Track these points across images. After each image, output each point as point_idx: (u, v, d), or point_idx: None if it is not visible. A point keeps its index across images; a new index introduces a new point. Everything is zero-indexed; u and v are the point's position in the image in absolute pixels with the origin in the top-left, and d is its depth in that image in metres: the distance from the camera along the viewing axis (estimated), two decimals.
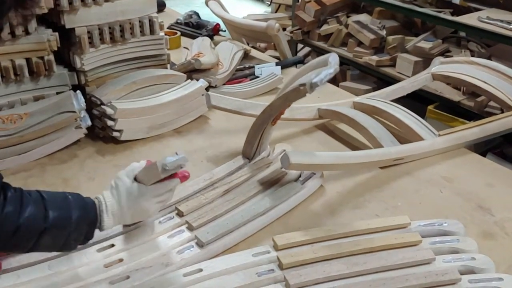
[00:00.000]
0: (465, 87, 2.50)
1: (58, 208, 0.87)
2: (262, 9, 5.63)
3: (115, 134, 1.43)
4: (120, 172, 0.98)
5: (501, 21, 2.49)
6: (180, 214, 1.10)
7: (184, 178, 0.99)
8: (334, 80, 3.31)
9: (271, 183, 1.22)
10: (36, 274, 0.93)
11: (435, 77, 1.77)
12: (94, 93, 1.47)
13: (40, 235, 0.84)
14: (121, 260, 0.97)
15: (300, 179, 1.24)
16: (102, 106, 1.42)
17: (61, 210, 0.87)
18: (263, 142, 1.31)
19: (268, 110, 1.21)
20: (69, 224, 0.87)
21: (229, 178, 1.23)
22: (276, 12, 4.42)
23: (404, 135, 1.45)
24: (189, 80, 1.62)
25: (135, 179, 0.96)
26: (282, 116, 1.50)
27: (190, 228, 1.06)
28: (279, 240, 1.01)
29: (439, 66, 1.79)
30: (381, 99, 1.62)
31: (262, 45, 3.67)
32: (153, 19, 1.55)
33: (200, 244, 1.02)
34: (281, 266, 0.96)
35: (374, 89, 3.06)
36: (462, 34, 3.06)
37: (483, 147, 2.34)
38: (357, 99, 1.66)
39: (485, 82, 1.65)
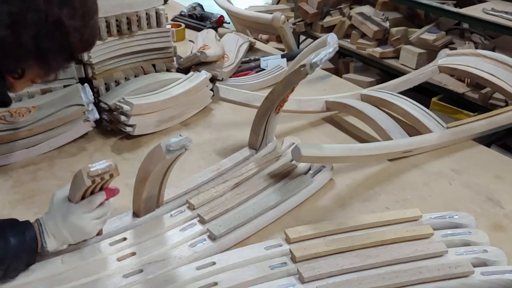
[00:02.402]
0: (472, 79, 2.49)
1: None
2: (263, 1, 5.60)
3: (129, 129, 1.42)
4: (57, 190, 0.93)
5: (506, 12, 2.48)
6: (191, 207, 1.10)
7: (111, 193, 0.91)
8: (337, 73, 3.31)
9: (281, 177, 1.21)
10: (49, 268, 0.93)
11: (442, 69, 1.76)
12: (103, 99, 1.47)
13: None
14: (133, 253, 0.97)
15: (310, 172, 1.24)
16: (117, 103, 1.41)
17: None
18: (268, 132, 1.30)
19: (271, 97, 1.20)
20: (6, 255, 0.82)
21: (239, 171, 1.23)
22: (277, 3, 4.39)
23: (412, 128, 1.45)
24: (192, 72, 1.61)
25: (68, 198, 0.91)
26: (289, 109, 1.50)
27: (202, 221, 1.06)
28: (291, 233, 1.01)
29: (445, 58, 1.78)
30: (388, 91, 1.62)
31: (264, 37, 3.65)
32: (159, 12, 1.54)
33: (212, 237, 1.02)
34: (294, 259, 0.96)
35: (378, 81, 3.06)
36: (465, 25, 3.05)
37: (486, 139, 2.34)
38: (365, 91, 1.65)
39: (492, 75, 1.64)
